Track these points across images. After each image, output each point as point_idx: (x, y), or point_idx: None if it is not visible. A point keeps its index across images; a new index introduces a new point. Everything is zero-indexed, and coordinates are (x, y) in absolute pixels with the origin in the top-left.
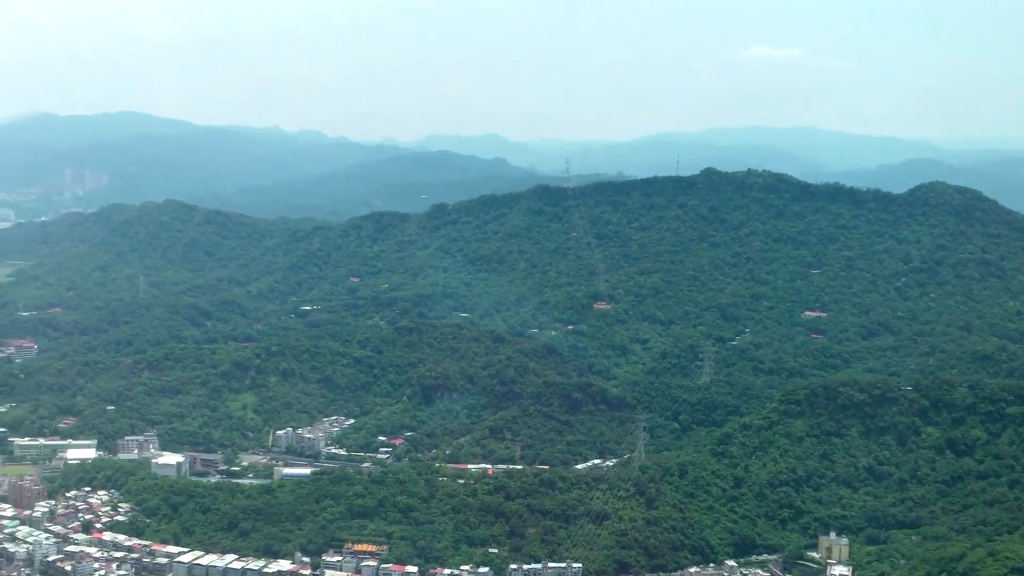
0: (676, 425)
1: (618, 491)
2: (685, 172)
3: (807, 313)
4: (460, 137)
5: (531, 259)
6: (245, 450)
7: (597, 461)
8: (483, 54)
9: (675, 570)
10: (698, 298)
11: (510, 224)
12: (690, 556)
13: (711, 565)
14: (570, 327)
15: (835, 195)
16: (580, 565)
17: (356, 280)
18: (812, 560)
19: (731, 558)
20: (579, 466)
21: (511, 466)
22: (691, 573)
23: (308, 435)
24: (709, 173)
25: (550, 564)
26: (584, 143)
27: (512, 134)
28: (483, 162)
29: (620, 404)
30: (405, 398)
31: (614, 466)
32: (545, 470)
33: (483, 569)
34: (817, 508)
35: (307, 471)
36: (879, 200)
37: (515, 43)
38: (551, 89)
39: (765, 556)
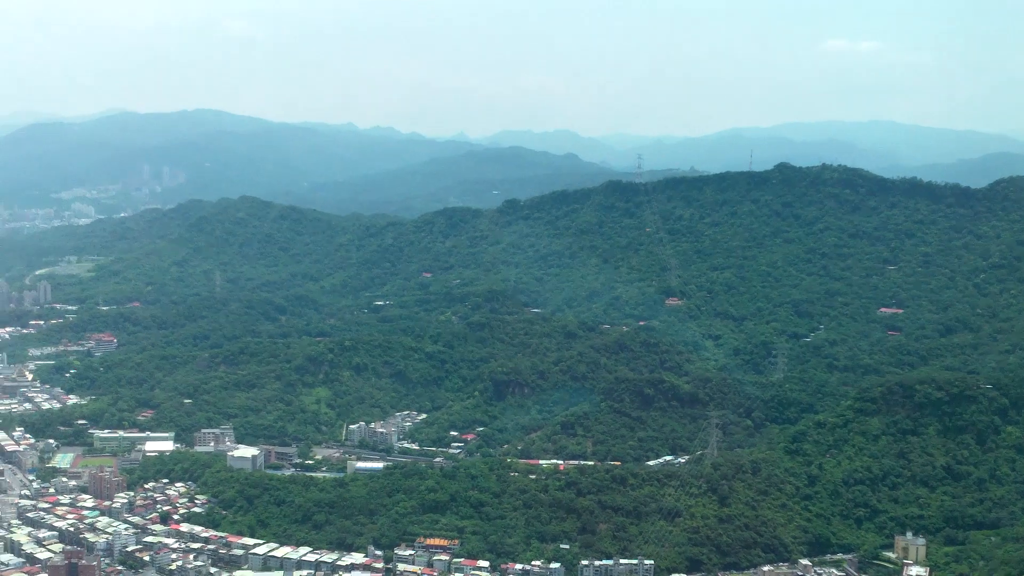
0: (749, 422)
1: (690, 488)
2: (758, 167)
3: (883, 310)
4: (532, 132)
5: (603, 254)
6: (319, 444)
7: (669, 457)
8: (556, 49)
9: (748, 568)
10: (771, 294)
11: (582, 220)
12: (763, 554)
13: (784, 564)
14: (642, 323)
15: (912, 190)
16: (652, 562)
17: (428, 275)
18: (888, 560)
19: (805, 557)
20: (651, 462)
21: (582, 462)
22: (764, 571)
23: (381, 429)
24: (783, 168)
25: (621, 560)
26: (657, 139)
27: (584, 129)
28: (555, 158)
29: (692, 400)
30: (477, 393)
31: (686, 463)
32: (617, 466)
33: (554, 565)
34: (893, 507)
35: (380, 465)
36: (957, 195)
37: (588, 38)
38: (624, 84)
39: (840, 556)
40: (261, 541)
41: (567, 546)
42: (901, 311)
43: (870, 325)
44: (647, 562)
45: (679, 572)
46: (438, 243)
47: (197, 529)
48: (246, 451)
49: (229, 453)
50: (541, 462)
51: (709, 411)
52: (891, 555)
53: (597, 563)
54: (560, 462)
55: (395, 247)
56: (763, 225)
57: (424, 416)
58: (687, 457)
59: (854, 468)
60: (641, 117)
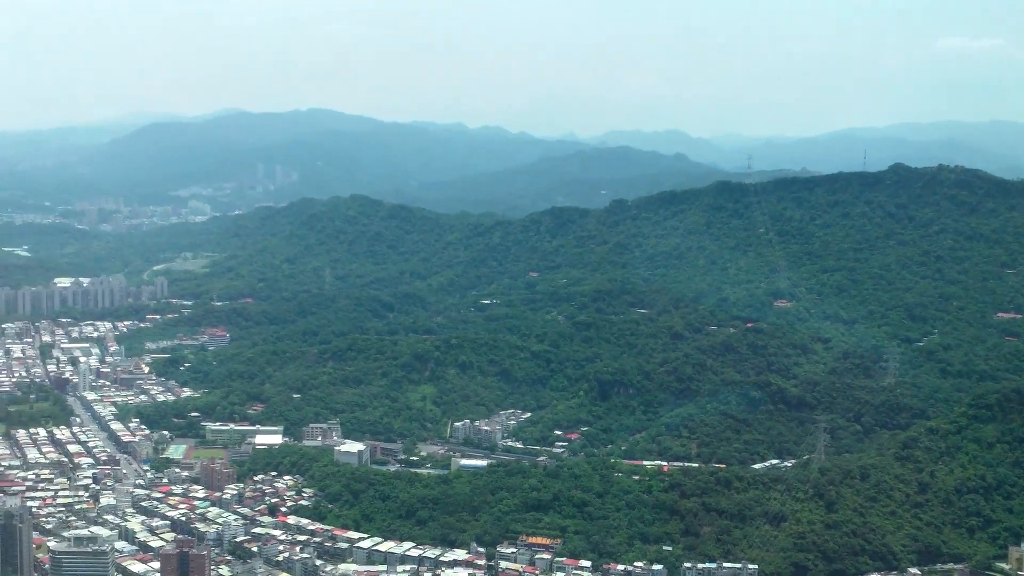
0: (858, 427)
1: (796, 492)
2: (872, 168)
3: (1000, 314)
4: (641, 132)
5: (710, 256)
6: (424, 440)
7: (775, 461)
8: (665, 48)
9: (854, 575)
10: (883, 297)
11: (690, 220)
12: (870, 562)
13: (893, 572)
14: (749, 325)
15: None
16: (756, 566)
17: (535, 274)
18: (1001, 571)
19: (914, 566)
20: (756, 466)
21: (687, 464)
22: None
23: (485, 427)
24: (897, 169)
25: (725, 564)
26: (767, 139)
27: (694, 130)
28: (664, 158)
29: (800, 404)
30: (582, 393)
31: (792, 467)
32: (721, 469)
33: (657, 566)
34: (1008, 517)
35: (483, 463)
36: None
37: (698, 37)
38: (734, 84)
39: (951, 565)
40: (365, 535)
41: (670, 548)
42: (1020, 316)
43: (986, 330)
44: (751, 566)
45: None
46: (545, 242)
47: (304, 522)
48: (352, 446)
49: (336, 448)
50: (645, 463)
51: (817, 415)
52: (1004, 566)
53: (700, 566)
54: (664, 463)
55: (502, 246)
56: (876, 227)
57: (528, 415)
58: (794, 461)
59: (967, 476)
60: (752, 117)
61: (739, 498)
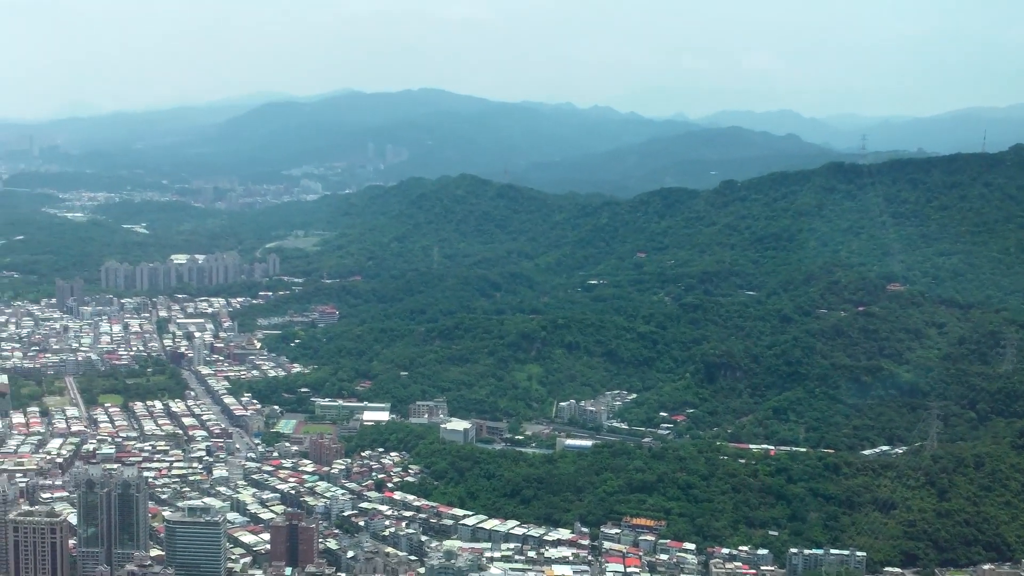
0: (972, 414)
1: (907, 480)
2: (992, 149)
3: None
4: (753, 113)
5: (821, 238)
6: (529, 420)
7: (885, 448)
8: (778, 28)
9: (967, 566)
10: (1002, 282)
11: (801, 202)
12: (984, 552)
13: (1007, 563)
14: (861, 308)
15: None
16: (864, 554)
17: (643, 255)
18: None
19: None
20: (866, 452)
21: (794, 448)
22: (984, 570)
23: (591, 408)
24: (1019, 150)
25: (832, 551)
26: (882, 119)
27: (806, 110)
28: (775, 138)
29: (912, 390)
30: (688, 375)
31: (903, 454)
32: (830, 454)
33: (762, 551)
34: None
35: (588, 443)
36: None
37: (812, 15)
38: (849, 63)
39: None
40: (470, 513)
41: (775, 533)
42: None
43: None
44: (859, 554)
45: (893, 566)
46: (653, 223)
47: (410, 498)
48: (458, 424)
49: (442, 425)
50: (751, 446)
51: (930, 401)
52: None
53: (807, 552)
54: (771, 447)
55: (610, 227)
56: (995, 209)
57: (634, 396)
58: (905, 448)
59: None
60: (867, 97)
61: (848, 484)
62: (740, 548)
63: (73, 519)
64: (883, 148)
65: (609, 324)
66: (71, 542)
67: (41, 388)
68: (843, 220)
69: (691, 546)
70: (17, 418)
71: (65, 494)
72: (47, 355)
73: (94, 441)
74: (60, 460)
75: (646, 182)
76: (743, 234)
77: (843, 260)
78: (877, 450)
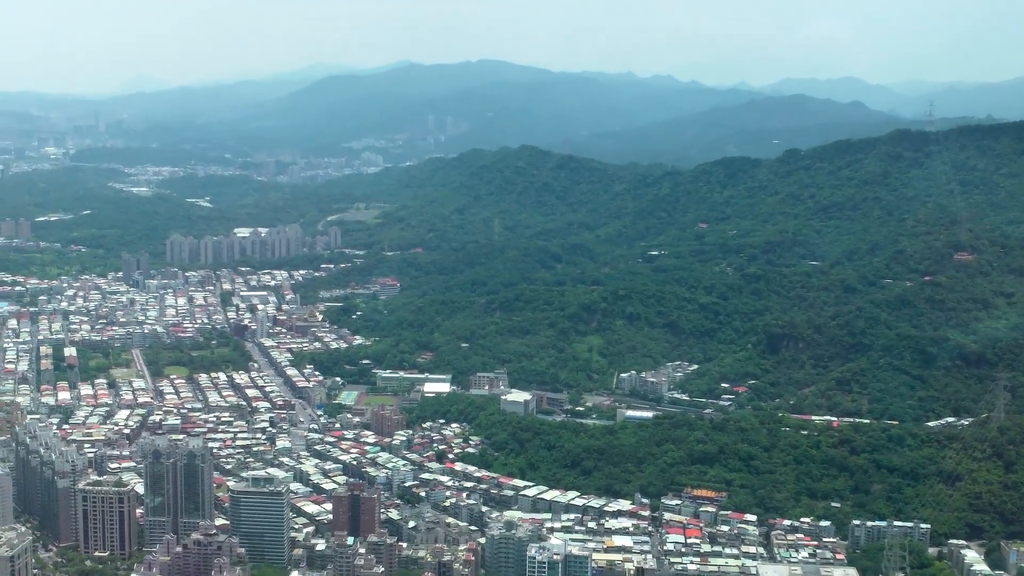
0: None
1: (973, 452)
2: None
3: None
4: (816, 80)
5: (887, 206)
6: (589, 391)
7: (951, 419)
8: None
9: None
10: None
11: (866, 170)
12: None
13: None
14: (927, 278)
15: None
16: (928, 526)
17: (704, 226)
18: None
19: None
20: (931, 423)
21: (857, 420)
22: None
23: (651, 379)
24: None
25: (895, 523)
26: (950, 84)
27: (871, 76)
28: (840, 106)
29: (979, 361)
30: (750, 346)
31: (969, 425)
32: (894, 425)
33: (824, 523)
34: None
35: (649, 414)
36: None
37: None
38: (915, 28)
39: None
40: (531, 484)
41: (838, 505)
42: None
43: None
44: (923, 526)
45: (958, 538)
46: (715, 193)
47: (470, 469)
48: (519, 395)
49: (503, 397)
50: (814, 418)
51: (997, 372)
52: None
53: (869, 524)
54: (834, 419)
55: (671, 197)
56: None
57: (695, 367)
58: (971, 420)
59: None
60: (934, 62)
61: (912, 456)
62: (802, 520)
63: (140, 489)
64: (951, 114)
65: (670, 295)
66: (138, 511)
67: (108, 360)
68: (909, 188)
69: (752, 518)
70: (85, 390)
71: (132, 464)
72: (114, 328)
73: (160, 412)
74: (127, 431)
75: (708, 152)
76: (806, 203)
77: (909, 229)
78: (942, 422)
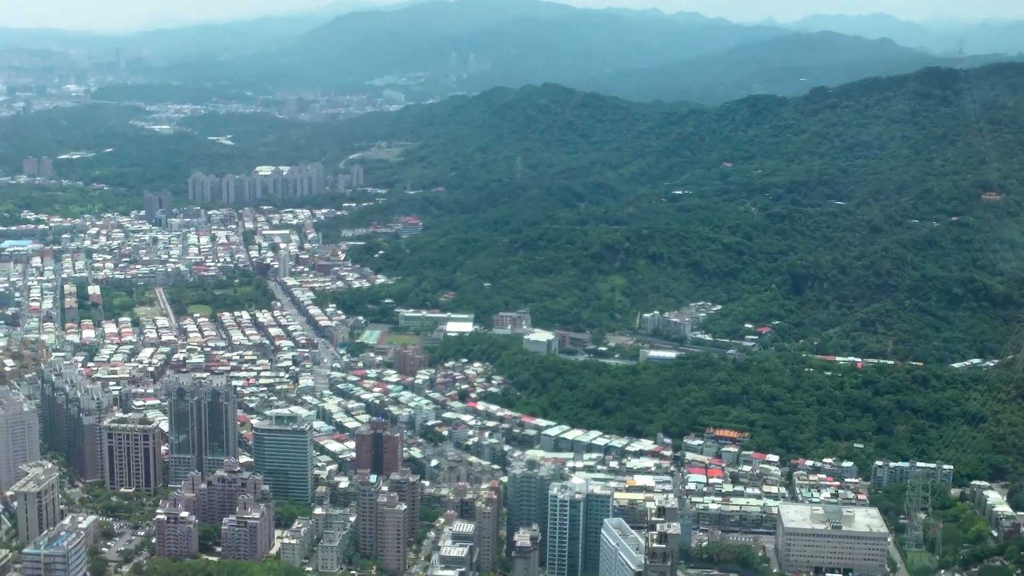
0: None
1: (998, 393)
2: None
3: None
4: (844, 16)
5: (914, 145)
6: (612, 331)
7: (976, 361)
8: None
9: None
10: None
11: (894, 109)
12: None
13: None
14: (954, 218)
15: None
16: (951, 467)
17: (729, 165)
18: None
19: None
20: (956, 364)
21: (882, 361)
22: None
23: (674, 319)
24: None
25: (918, 464)
26: (983, 21)
27: (901, 12)
28: (868, 43)
29: (1006, 302)
30: (774, 286)
31: (995, 367)
32: (918, 367)
33: (847, 463)
34: None
35: (672, 354)
36: None
37: None
38: None
39: None
40: (553, 423)
41: (861, 445)
42: None
43: None
44: (946, 467)
45: (980, 479)
46: (740, 132)
47: (493, 408)
48: (541, 335)
49: (525, 336)
50: (837, 359)
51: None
52: None
53: (892, 465)
54: (858, 360)
55: (696, 136)
56: None
57: (719, 307)
58: (996, 361)
59: None
60: None
61: (936, 397)
62: (824, 460)
63: (165, 426)
64: (981, 52)
65: (694, 235)
66: (163, 448)
67: (132, 299)
68: (937, 127)
69: (774, 458)
70: (109, 328)
71: (157, 402)
72: (137, 266)
73: (184, 351)
74: (151, 369)
75: (733, 90)
76: (833, 142)
77: (937, 168)
78: (967, 363)
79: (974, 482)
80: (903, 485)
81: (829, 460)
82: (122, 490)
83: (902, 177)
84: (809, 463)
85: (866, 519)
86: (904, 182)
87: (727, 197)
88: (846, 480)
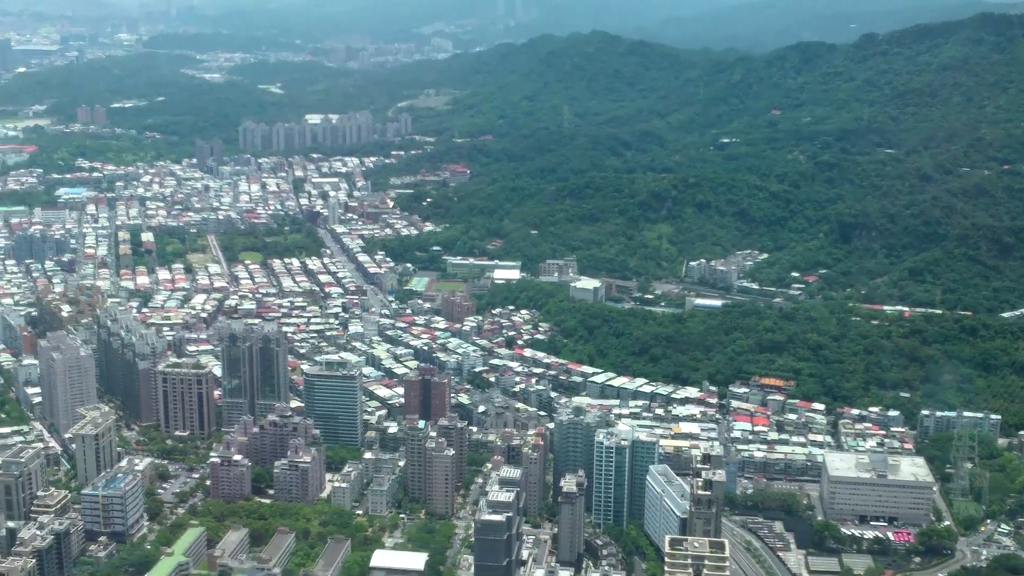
0: None
1: None
2: None
3: None
4: None
5: (966, 93)
6: (658, 279)
7: None
8: None
9: None
10: None
11: (946, 55)
12: None
13: None
14: (1006, 167)
15: None
16: (999, 417)
17: (777, 113)
18: None
19: None
20: (1005, 314)
21: (930, 310)
22: None
23: (721, 267)
24: None
25: (965, 413)
26: None
27: None
28: None
29: None
30: (821, 235)
31: None
32: (967, 316)
33: (893, 412)
34: None
35: (718, 303)
36: None
37: None
38: None
39: None
40: (599, 370)
41: (907, 395)
42: None
43: None
44: (994, 416)
45: None
46: (789, 79)
47: (539, 355)
48: (588, 283)
49: (572, 284)
50: (885, 308)
51: None
52: None
53: (939, 414)
54: (905, 309)
55: (744, 83)
56: None
57: (765, 256)
58: None
59: None
60: None
61: (985, 347)
62: (870, 409)
63: (218, 371)
64: None
65: (741, 183)
66: (216, 393)
67: (185, 246)
68: (990, 74)
69: (820, 407)
70: (163, 274)
71: (209, 347)
72: (189, 214)
73: (236, 297)
74: (204, 315)
75: (783, 37)
76: (883, 90)
77: (989, 116)
78: (1017, 312)
79: (1022, 432)
80: (950, 434)
81: (875, 409)
82: (176, 433)
83: (953, 125)
84: (855, 412)
85: (912, 468)
86: (955, 130)
87: (775, 145)
88: (892, 429)
